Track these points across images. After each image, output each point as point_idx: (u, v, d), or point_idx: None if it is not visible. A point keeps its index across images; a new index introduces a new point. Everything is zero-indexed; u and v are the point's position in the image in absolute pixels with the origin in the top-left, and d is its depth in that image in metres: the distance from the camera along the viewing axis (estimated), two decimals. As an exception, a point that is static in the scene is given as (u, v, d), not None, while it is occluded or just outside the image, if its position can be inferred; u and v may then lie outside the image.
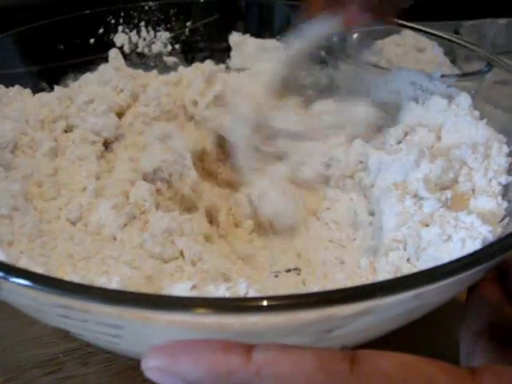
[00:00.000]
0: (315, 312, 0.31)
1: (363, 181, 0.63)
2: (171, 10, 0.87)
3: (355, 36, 0.84)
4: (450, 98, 0.66)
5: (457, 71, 0.83)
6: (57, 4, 0.89)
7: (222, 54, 0.89)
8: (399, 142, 0.64)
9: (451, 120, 0.63)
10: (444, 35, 0.76)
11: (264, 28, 0.89)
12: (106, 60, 0.83)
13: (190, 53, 0.89)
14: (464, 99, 0.65)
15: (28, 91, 0.73)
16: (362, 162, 0.64)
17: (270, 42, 0.88)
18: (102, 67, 0.81)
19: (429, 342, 0.54)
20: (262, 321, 0.32)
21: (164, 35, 0.87)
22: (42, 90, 0.77)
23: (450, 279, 0.33)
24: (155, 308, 0.31)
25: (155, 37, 0.87)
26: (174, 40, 0.88)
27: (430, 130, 0.63)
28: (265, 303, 0.30)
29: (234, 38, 0.88)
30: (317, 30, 0.64)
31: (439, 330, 0.54)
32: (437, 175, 0.54)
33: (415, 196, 0.53)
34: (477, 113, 0.64)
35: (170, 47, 0.88)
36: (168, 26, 0.88)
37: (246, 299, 0.33)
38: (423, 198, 0.53)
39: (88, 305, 0.32)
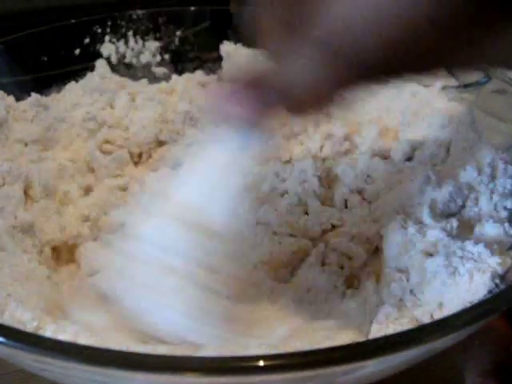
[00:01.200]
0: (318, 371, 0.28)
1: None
2: (160, 19, 0.84)
3: None
4: (451, 113, 0.64)
5: (454, 81, 0.80)
6: (43, 12, 0.85)
7: (212, 64, 0.86)
8: (409, 159, 0.62)
9: (454, 137, 0.61)
10: None
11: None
12: (92, 71, 0.80)
13: (179, 63, 0.85)
14: (467, 115, 0.63)
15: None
16: (368, 176, 0.61)
17: (262, 52, 0.85)
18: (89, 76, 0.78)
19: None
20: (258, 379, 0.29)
21: (153, 45, 0.84)
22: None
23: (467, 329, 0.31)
24: (140, 370, 0.28)
25: (144, 46, 0.84)
26: (164, 50, 0.85)
27: (440, 145, 0.60)
28: (261, 363, 0.27)
29: (226, 47, 0.85)
30: None
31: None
32: (444, 202, 0.51)
33: (419, 222, 0.50)
34: (480, 129, 0.62)
35: (159, 57, 0.84)
36: (157, 35, 0.84)
37: (240, 359, 0.30)
38: (427, 225, 0.50)
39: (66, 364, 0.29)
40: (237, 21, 0.85)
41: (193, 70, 0.84)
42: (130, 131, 0.71)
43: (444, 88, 0.71)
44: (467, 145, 0.60)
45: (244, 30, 0.85)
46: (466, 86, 0.73)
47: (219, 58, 0.85)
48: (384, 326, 0.42)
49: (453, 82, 0.76)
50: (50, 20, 0.78)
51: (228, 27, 0.86)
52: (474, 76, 0.73)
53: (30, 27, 0.77)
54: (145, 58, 0.84)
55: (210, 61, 0.86)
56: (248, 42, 0.83)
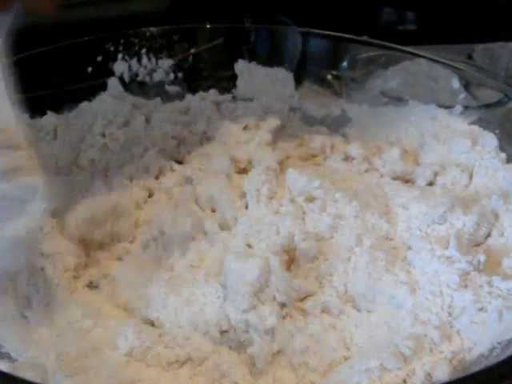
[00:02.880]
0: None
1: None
2: (174, 36, 0.83)
3: (365, 62, 0.79)
4: (473, 138, 0.62)
5: (473, 101, 0.78)
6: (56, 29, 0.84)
7: (227, 82, 0.84)
8: (430, 184, 0.60)
9: (477, 163, 0.59)
10: (457, 65, 0.71)
11: (272, 56, 0.84)
12: (104, 89, 0.79)
13: (193, 81, 0.84)
14: (490, 140, 0.61)
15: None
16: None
17: (277, 71, 0.84)
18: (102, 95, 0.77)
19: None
20: None
21: (166, 63, 0.83)
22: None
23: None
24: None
25: (157, 64, 0.82)
26: (177, 68, 0.83)
27: (462, 171, 0.58)
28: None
29: (240, 66, 0.84)
30: None
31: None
32: (470, 231, 0.49)
33: (446, 256, 0.48)
34: (503, 155, 0.60)
35: (172, 75, 0.83)
36: (171, 52, 0.83)
37: None
38: (454, 258, 0.48)
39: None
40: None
41: (207, 89, 0.82)
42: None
43: (465, 108, 0.69)
44: (491, 171, 0.58)
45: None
46: (486, 106, 0.72)
47: (234, 77, 0.84)
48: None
49: (471, 100, 0.75)
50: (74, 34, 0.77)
51: (243, 44, 0.85)
52: (490, 91, 0.72)
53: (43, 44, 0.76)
54: (158, 76, 0.82)
55: (224, 79, 0.84)
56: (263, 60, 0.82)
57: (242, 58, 0.83)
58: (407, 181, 0.62)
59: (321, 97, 0.78)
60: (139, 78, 0.82)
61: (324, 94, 0.78)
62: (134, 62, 0.81)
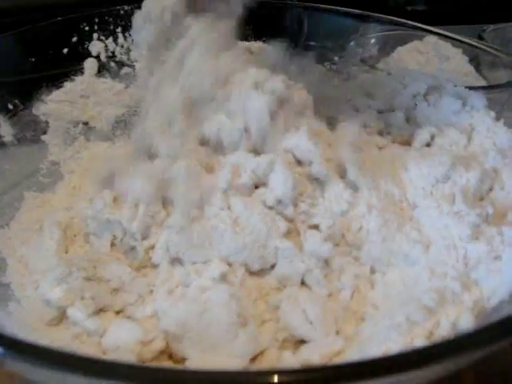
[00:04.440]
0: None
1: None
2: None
3: (372, 41, 0.78)
4: (463, 99, 0.63)
5: (482, 81, 0.78)
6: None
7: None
8: (427, 145, 0.61)
9: (467, 122, 0.60)
10: (470, 41, 0.71)
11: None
12: (81, 71, 0.77)
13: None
14: (478, 100, 0.62)
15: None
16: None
17: (256, 45, 0.84)
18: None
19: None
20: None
21: (141, 41, 0.81)
22: (15, 106, 0.71)
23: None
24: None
25: (133, 43, 0.81)
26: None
27: (461, 132, 0.59)
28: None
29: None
30: None
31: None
32: (474, 187, 0.51)
33: (454, 212, 0.49)
34: (493, 114, 0.61)
35: (149, 53, 0.81)
36: (145, 30, 0.81)
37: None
38: (462, 213, 0.49)
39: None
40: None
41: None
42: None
43: (472, 89, 0.67)
44: (484, 129, 0.59)
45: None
46: (495, 86, 0.72)
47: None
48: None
49: (480, 80, 0.74)
50: (35, 19, 0.74)
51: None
52: (501, 72, 0.71)
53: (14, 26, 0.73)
54: (135, 54, 0.81)
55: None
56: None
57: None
58: (404, 143, 0.63)
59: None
60: (117, 58, 0.80)
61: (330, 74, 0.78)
62: (109, 41, 0.79)
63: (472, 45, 0.72)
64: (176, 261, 0.51)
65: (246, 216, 0.50)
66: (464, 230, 0.47)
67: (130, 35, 0.80)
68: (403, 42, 0.77)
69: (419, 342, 0.40)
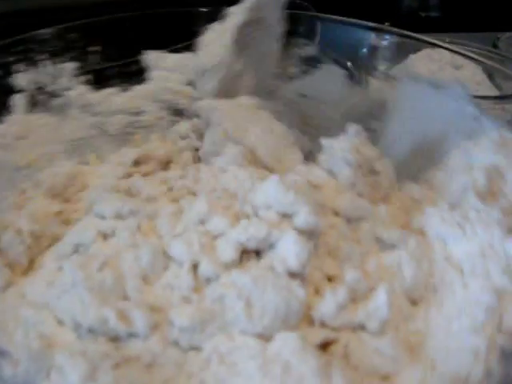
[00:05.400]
0: None
1: None
2: (70, 35, 0.74)
3: (385, 48, 0.77)
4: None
5: (495, 90, 0.77)
6: None
7: (137, 76, 0.78)
8: None
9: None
10: (481, 58, 0.69)
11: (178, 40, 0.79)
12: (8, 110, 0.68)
13: (103, 81, 0.76)
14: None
15: None
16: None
17: (188, 56, 0.80)
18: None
19: None
20: None
21: (70, 66, 0.74)
22: None
23: None
24: None
25: (60, 70, 0.73)
26: (82, 70, 0.75)
27: None
28: None
29: (150, 56, 0.78)
30: None
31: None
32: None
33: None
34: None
35: (78, 79, 0.74)
36: (72, 54, 0.74)
37: None
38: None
39: None
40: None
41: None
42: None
43: (483, 98, 0.67)
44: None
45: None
46: (506, 97, 0.71)
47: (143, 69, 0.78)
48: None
49: (493, 90, 0.74)
50: None
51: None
52: None
53: None
54: (64, 82, 0.73)
55: (135, 74, 0.78)
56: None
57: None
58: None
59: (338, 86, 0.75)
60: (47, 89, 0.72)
61: (342, 84, 0.76)
62: (35, 71, 0.71)
63: (479, 61, 0.71)
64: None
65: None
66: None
67: (55, 62, 0.73)
68: (416, 49, 0.76)
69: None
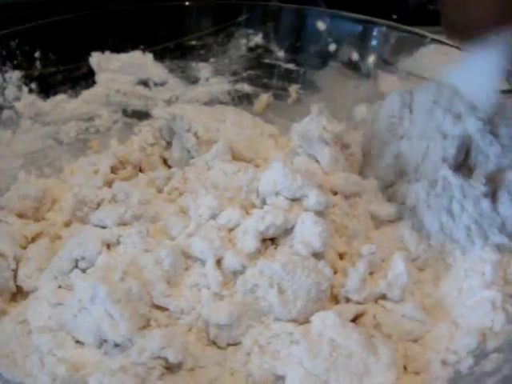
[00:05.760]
0: None
1: None
2: (12, 42, 0.68)
3: (395, 41, 0.74)
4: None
5: (506, 85, 0.72)
6: None
7: (85, 80, 0.74)
8: None
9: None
10: None
11: (123, 40, 0.76)
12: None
13: (51, 88, 0.72)
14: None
15: None
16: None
17: (135, 55, 0.77)
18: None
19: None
20: None
21: (14, 75, 0.68)
22: None
23: None
24: None
25: (4, 80, 0.68)
26: (27, 78, 0.70)
27: None
28: None
29: (95, 58, 0.74)
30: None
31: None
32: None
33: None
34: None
35: (25, 88, 0.69)
36: (15, 62, 0.69)
37: None
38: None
39: None
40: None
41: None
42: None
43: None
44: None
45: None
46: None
47: (90, 72, 0.74)
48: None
49: (504, 84, 0.70)
50: None
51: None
52: None
53: None
54: (11, 92, 0.68)
55: (81, 78, 0.74)
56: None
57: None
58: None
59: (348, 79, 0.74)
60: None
61: (351, 76, 0.75)
62: (-22, 83, 0.65)
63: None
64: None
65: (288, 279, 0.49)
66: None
67: (-1, 70, 0.67)
68: (427, 42, 0.73)
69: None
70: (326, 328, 0.46)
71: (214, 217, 0.52)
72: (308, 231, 0.50)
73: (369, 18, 0.74)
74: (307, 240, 0.50)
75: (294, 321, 0.48)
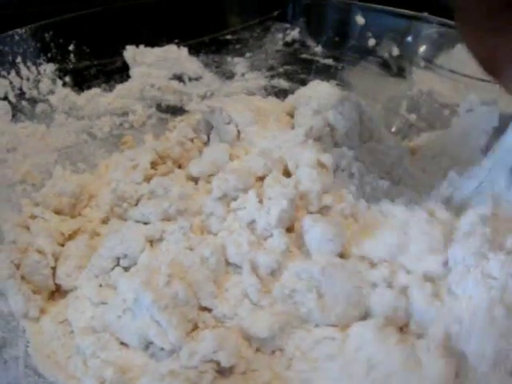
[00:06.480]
0: None
1: None
2: (46, 34, 0.66)
3: (435, 37, 0.72)
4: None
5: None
6: None
7: (119, 74, 0.72)
8: None
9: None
10: None
11: (158, 33, 0.74)
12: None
13: (85, 82, 0.70)
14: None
15: None
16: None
17: (169, 49, 0.75)
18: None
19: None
20: None
21: (48, 68, 0.67)
22: None
23: None
24: None
25: (39, 73, 0.66)
26: (61, 72, 0.68)
27: None
28: None
29: (129, 52, 0.72)
30: None
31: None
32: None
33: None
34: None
35: (59, 82, 0.67)
36: (49, 55, 0.67)
37: None
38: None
39: None
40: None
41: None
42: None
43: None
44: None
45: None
46: None
47: (125, 66, 0.72)
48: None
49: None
50: None
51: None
52: None
53: None
54: (45, 86, 0.66)
55: (115, 72, 0.72)
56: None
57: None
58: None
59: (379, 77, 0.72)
60: (27, 95, 0.65)
61: (383, 75, 0.73)
62: (12, 76, 0.63)
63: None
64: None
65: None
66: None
67: (33, 63, 0.65)
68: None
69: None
70: (365, 343, 0.43)
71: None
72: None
73: (411, 12, 0.71)
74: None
75: (334, 326, 0.46)
